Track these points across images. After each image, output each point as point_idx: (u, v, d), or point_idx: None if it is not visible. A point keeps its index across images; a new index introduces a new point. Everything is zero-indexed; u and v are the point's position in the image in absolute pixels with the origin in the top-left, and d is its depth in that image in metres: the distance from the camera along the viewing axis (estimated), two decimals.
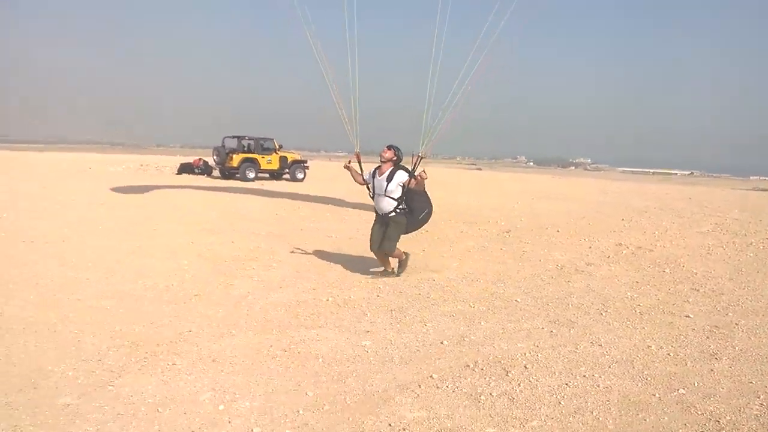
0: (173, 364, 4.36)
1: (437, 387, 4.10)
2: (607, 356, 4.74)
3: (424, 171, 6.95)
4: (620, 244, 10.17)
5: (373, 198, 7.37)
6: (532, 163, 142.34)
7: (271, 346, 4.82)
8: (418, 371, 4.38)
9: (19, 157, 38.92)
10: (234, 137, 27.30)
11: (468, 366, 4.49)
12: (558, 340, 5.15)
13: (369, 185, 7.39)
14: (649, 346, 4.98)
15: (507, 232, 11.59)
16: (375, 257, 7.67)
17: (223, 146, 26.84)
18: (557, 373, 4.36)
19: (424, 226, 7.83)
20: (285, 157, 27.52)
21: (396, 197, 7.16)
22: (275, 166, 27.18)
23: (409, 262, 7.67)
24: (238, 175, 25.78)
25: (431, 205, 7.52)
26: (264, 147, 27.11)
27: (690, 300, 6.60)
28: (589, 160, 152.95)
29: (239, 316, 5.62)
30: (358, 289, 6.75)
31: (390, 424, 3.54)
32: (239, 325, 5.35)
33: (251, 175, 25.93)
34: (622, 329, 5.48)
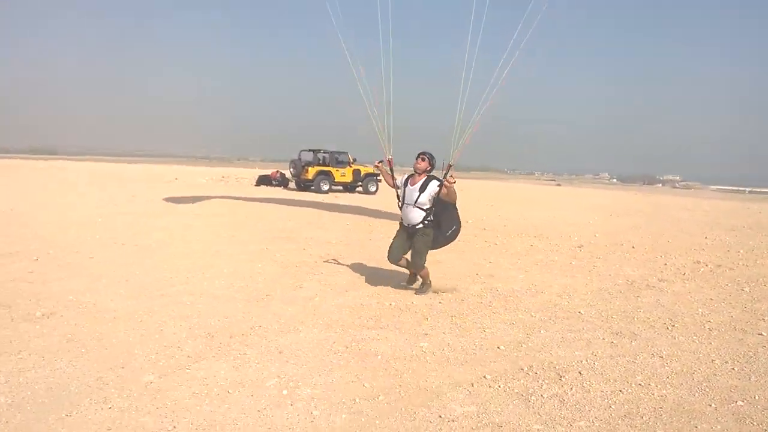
0: (244, 353, 4.77)
1: (489, 386, 4.27)
2: (666, 368, 4.72)
3: (451, 175, 6.59)
4: (698, 262, 9.85)
5: (401, 207, 7.06)
6: (615, 180, 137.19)
7: (334, 342, 5.15)
8: (473, 372, 4.56)
9: (112, 168, 42.07)
10: (310, 151, 28.39)
11: (522, 369, 4.62)
12: (617, 350, 5.17)
13: (399, 193, 7.07)
14: (713, 360, 4.91)
15: (579, 247, 11.47)
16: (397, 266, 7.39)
17: (300, 159, 27.94)
18: (612, 381, 4.41)
19: (460, 241, 7.79)
20: (358, 170, 28.27)
21: (425, 209, 6.84)
22: (349, 179, 27.99)
23: (433, 285, 7.25)
24: (312, 187, 26.76)
25: (460, 223, 7.18)
26: (338, 160, 27.99)
27: (766, 319, 6.37)
28: (679, 177, 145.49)
29: (306, 315, 6.00)
30: (420, 296, 6.98)
31: (440, 416, 3.75)
32: (305, 323, 5.72)
33: (325, 187, 26.82)
34: (687, 343, 5.40)
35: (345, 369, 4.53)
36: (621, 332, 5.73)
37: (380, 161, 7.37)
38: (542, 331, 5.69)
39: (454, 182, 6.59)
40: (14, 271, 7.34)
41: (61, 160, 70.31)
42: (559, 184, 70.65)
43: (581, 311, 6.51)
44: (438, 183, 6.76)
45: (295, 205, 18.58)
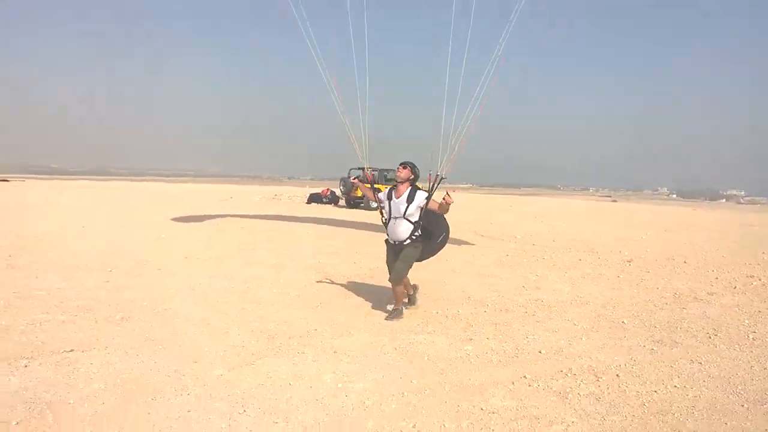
0: (302, 352, 5.28)
1: (529, 385, 4.61)
2: (703, 372, 4.95)
3: (448, 194, 6.32)
4: (752, 276, 9.82)
5: (386, 223, 6.78)
6: (674, 195, 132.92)
7: (384, 345, 5.59)
8: (513, 372, 4.91)
9: (168, 188, 44.03)
10: (359, 168, 29.12)
11: (561, 371, 4.94)
12: (657, 356, 5.41)
13: (383, 209, 6.81)
14: (752, 367, 5.09)
15: (629, 261, 11.56)
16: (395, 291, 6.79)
17: (349, 177, 28.71)
18: (648, 383, 4.68)
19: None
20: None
21: (413, 221, 6.56)
22: None
23: (418, 296, 7.33)
24: (362, 204, 27.45)
25: (448, 228, 7.03)
26: (387, 177, 28.60)
27: None
28: (743, 192, 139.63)
29: (357, 320, 6.47)
30: (466, 306, 7.34)
31: (482, 409, 4.13)
32: (357, 327, 6.19)
33: (374, 204, 27.41)
34: (727, 351, 5.59)
35: (394, 368, 4.97)
36: (662, 340, 5.95)
37: (356, 177, 7.30)
38: (583, 339, 5.98)
39: (452, 202, 6.32)
40: (92, 281, 8.12)
41: (117, 180, 73.84)
42: (614, 200, 69.20)
43: (624, 321, 6.74)
44: (425, 195, 6.56)
45: (344, 226, 19.22)
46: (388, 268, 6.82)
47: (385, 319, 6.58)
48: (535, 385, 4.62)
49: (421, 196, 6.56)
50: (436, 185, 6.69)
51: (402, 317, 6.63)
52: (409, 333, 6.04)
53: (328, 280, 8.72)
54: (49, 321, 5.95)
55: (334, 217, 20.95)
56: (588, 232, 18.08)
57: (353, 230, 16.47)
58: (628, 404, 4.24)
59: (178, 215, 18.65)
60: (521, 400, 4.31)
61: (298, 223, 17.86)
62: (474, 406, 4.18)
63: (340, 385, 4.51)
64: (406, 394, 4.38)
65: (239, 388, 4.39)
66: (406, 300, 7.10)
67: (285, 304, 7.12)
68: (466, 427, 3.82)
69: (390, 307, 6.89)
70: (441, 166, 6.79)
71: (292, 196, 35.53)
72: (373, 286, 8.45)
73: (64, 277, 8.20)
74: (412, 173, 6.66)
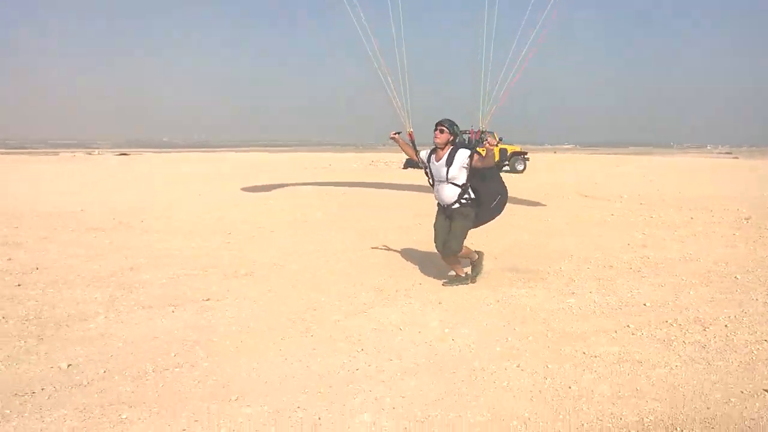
0: (409, 303, 5.72)
1: (632, 334, 4.78)
2: None
3: (487, 140, 5.85)
4: None
5: (432, 185, 6.36)
6: None
7: (486, 297, 5.91)
8: (617, 322, 5.07)
9: (270, 158, 46.13)
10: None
11: (666, 322, 5.04)
12: None
13: (426, 170, 6.35)
14: None
15: (746, 218, 11.04)
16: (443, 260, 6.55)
17: None
18: (758, 333, 4.69)
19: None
20: (505, 149, 28.49)
21: (460, 183, 6.06)
22: (495, 158, 28.33)
23: (484, 262, 6.75)
24: None
25: (506, 189, 6.37)
26: (483, 140, 28.45)
27: None
28: None
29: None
30: (568, 263, 7.46)
31: (584, 353, 4.37)
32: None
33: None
34: None
35: (497, 317, 5.28)
36: None
37: (397, 132, 6.54)
38: (691, 292, 5.97)
39: (495, 144, 5.69)
40: (215, 242, 9.02)
41: (222, 152, 77.98)
42: (736, 157, 64.20)
43: (738, 276, 6.61)
44: (468, 152, 6.03)
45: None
46: (435, 233, 6.39)
47: (443, 284, 6.36)
48: (639, 333, 4.77)
49: (462, 156, 5.99)
50: (477, 142, 6.17)
51: (462, 283, 6.34)
52: (510, 287, 6.30)
53: (428, 239, 9.11)
54: (185, 276, 6.78)
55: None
56: (702, 190, 17.23)
57: None
58: (736, 352, 4.31)
59: (281, 182, 19.77)
60: (624, 346, 4.49)
61: (392, 190, 18.36)
62: (576, 351, 4.42)
63: (446, 330, 4.90)
64: (509, 339, 4.70)
65: (355, 332, 4.90)
66: (468, 270, 6.61)
67: (387, 262, 7.59)
68: (569, 368, 4.09)
69: (464, 273, 6.52)
70: (483, 118, 6.11)
71: (388, 162, 36.17)
72: (473, 244, 8.74)
73: (191, 239, 9.16)
74: (451, 133, 6.10)
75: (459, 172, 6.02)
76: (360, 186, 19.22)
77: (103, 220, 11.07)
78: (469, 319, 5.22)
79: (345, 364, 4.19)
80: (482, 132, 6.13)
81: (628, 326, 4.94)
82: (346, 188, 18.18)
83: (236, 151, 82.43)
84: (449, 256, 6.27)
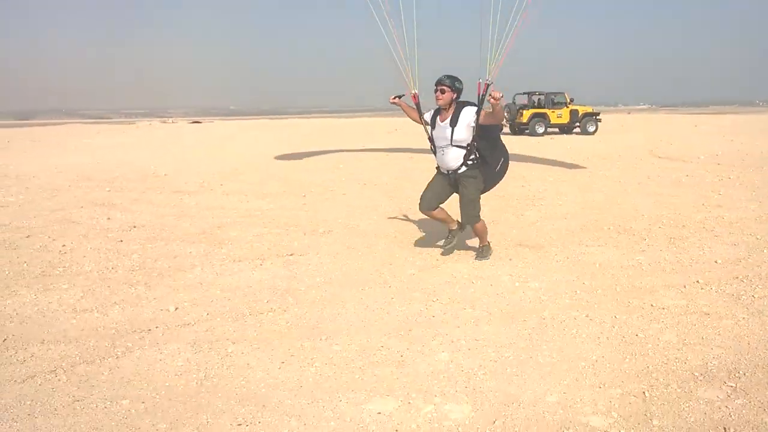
0: (479, 259, 6.01)
1: (701, 288, 4.90)
2: None
3: (491, 94, 5.14)
4: None
5: (434, 151, 5.90)
6: None
7: (555, 254, 6.12)
8: (686, 278, 5.20)
9: (335, 123, 46.79)
10: (524, 94, 28.69)
11: (737, 278, 5.12)
12: None
13: (429, 132, 5.88)
14: None
15: None
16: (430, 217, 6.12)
17: (514, 103, 28.42)
18: None
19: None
20: (576, 110, 27.84)
21: (465, 146, 5.59)
22: (565, 120, 27.77)
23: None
24: (527, 131, 27.16)
25: (506, 152, 5.98)
26: (554, 102, 27.87)
27: None
28: None
29: (529, 235, 7.03)
30: (639, 222, 7.51)
31: (652, 305, 4.56)
32: (530, 239, 6.77)
33: (540, 129, 27.03)
34: None
35: (566, 272, 5.51)
36: None
37: (398, 95, 6.00)
38: (765, 251, 5.97)
39: (501, 96, 5.09)
40: (291, 203, 9.56)
41: (289, 118, 79.47)
42: None
43: None
44: (474, 109, 5.50)
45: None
46: (422, 195, 5.96)
47: (476, 258, 5.99)
48: (708, 288, 4.89)
49: (468, 114, 5.50)
50: (484, 96, 5.44)
51: (491, 253, 6.06)
52: (580, 245, 6.47)
53: (500, 201, 9.31)
54: (268, 234, 7.32)
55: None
56: None
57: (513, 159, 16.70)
58: None
59: (349, 147, 20.23)
60: (692, 299, 4.64)
61: None
62: (644, 303, 4.61)
63: (517, 284, 5.18)
64: (578, 292, 4.93)
65: (429, 284, 5.25)
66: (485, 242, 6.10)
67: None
68: (636, 319, 4.30)
69: (449, 242, 6.08)
70: (490, 69, 5.44)
71: None
72: (542, 206, 8.89)
73: (270, 201, 9.73)
74: (454, 91, 5.55)
75: (466, 131, 5.54)
76: (424, 151, 19.40)
77: (186, 183, 11.84)
78: (538, 273, 5.47)
79: (422, 312, 4.56)
80: (488, 84, 5.39)
81: (697, 281, 5.06)
82: (413, 153, 18.42)
83: (303, 118, 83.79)
84: (474, 222, 5.87)
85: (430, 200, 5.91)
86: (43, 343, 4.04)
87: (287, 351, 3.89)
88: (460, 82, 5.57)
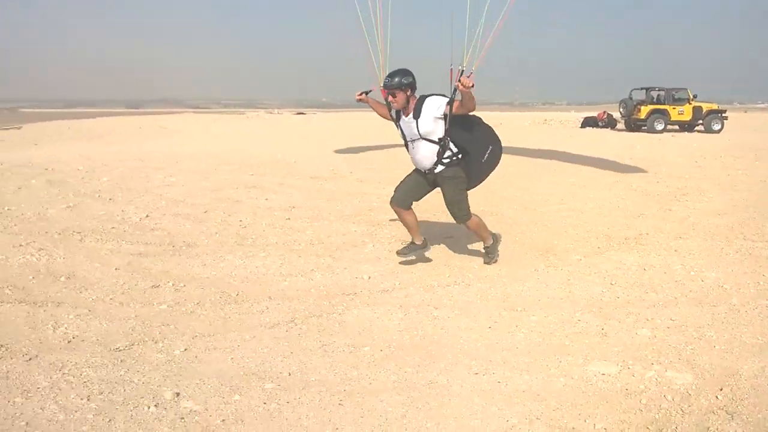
0: (643, 249, 6.15)
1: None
2: None
3: (468, 76, 4.71)
4: None
5: (406, 147, 5.38)
6: None
7: (723, 248, 6.15)
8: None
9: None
10: (642, 89, 27.78)
11: None
12: None
13: (399, 128, 5.34)
14: None
15: None
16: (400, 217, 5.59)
17: (631, 98, 27.61)
18: None
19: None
20: (699, 107, 26.67)
21: (437, 138, 5.10)
22: (687, 117, 26.67)
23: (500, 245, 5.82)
24: (645, 127, 26.30)
25: (498, 139, 5.35)
26: (675, 98, 26.82)
27: None
28: None
29: (685, 229, 7.04)
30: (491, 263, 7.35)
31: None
32: (686, 234, 6.79)
33: (660, 126, 26.11)
34: None
35: (740, 264, 5.57)
36: None
37: (365, 91, 5.57)
38: None
39: (472, 85, 4.62)
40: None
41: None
42: None
43: None
44: (440, 97, 5.06)
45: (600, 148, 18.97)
46: (396, 189, 5.47)
47: (484, 262, 5.68)
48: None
49: (431, 105, 5.04)
50: (456, 84, 4.77)
51: (498, 251, 5.70)
52: (745, 240, 6.45)
53: (638, 197, 9.31)
54: (431, 217, 7.77)
55: (608, 141, 20.73)
56: None
57: (595, 161, 16.34)
58: None
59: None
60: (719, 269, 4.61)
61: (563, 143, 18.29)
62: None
63: (692, 273, 5.31)
64: (761, 283, 5.00)
65: (600, 269, 5.48)
66: (492, 239, 5.71)
67: (605, 214, 7.99)
68: None
69: (406, 253, 5.54)
70: (468, 56, 4.91)
71: (564, 121, 35.44)
72: (692, 202, 8.82)
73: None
74: (406, 88, 5.06)
75: (434, 124, 5.07)
76: (524, 147, 19.37)
77: (316, 170, 12.57)
78: (711, 264, 5.57)
79: (604, 293, 4.82)
80: (461, 71, 4.85)
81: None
82: (516, 148, 18.47)
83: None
84: (466, 220, 5.48)
85: (404, 197, 5.41)
86: (270, 299, 4.66)
87: (489, 318, 4.28)
88: (408, 74, 5.10)
